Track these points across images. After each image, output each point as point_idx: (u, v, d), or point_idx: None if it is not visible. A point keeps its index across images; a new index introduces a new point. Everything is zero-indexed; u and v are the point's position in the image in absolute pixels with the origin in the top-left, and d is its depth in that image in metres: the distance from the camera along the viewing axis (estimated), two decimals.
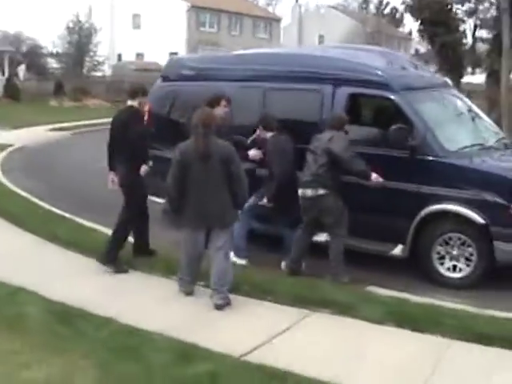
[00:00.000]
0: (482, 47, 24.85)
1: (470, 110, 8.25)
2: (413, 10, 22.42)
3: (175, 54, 44.71)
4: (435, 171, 7.07)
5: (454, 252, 7.09)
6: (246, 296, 6.35)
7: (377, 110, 8.26)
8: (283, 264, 7.47)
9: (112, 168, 7.34)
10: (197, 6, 44.66)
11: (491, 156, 7.27)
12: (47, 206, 10.31)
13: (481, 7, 23.14)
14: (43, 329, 5.23)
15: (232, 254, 6.93)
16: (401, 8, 25.49)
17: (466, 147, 7.33)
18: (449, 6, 22.36)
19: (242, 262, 7.44)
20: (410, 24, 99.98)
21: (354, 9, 74.91)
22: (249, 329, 5.55)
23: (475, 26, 24.34)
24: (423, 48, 58.85)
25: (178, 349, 4.89)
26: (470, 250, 7.00)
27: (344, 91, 7.67)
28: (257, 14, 51.82)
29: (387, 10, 77.95)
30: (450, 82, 8.75)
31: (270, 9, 65.00)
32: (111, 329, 5.30)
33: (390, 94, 7.39)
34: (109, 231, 8.73)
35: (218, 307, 5.99)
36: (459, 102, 8.27)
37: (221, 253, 6.12)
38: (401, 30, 74.44)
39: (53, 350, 4.81)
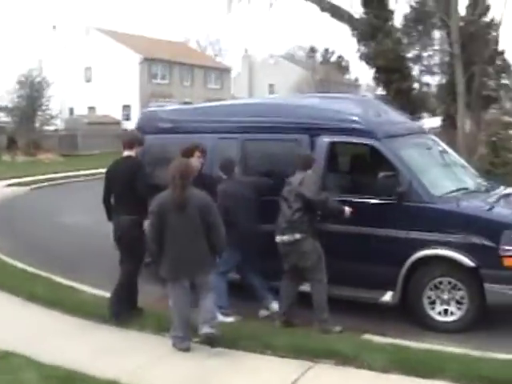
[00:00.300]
0: (427, 92, 25.68)
1: (448, 155, 8.43)
2: (368, 58, 22.99)
3: (128, 106, 44.89)
4: (422, 217, 7.16)
5: (445, 296, 7.14)
6: (245, 351, 6.23)
7: (359, 158, 8.34)
8: (261, 312, 7.54)
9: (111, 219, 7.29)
10: (149, 58, 44.92)
11: (476, 199, 7.40)
12: (19, 264, 10.02)
13: (425, 54, 23.92)
14: None
15: (218, 314, 6.90)
16: (355, 56, 26.10)
17: (450, 192, 7.46)
18: (402, 54, 23.06)
19: (229, 319, 7.28)
20: (357, 71, 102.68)
21: (300, 57, 76.60)
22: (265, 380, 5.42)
23: (421, 72, 25.13)
24: (370, 94, 60.47)
25: None
26: (460, 293, 7.06)
27: (324, 140, 7.75)
28: (208, 65, 52.42)
29: (333, 58, 79.86)
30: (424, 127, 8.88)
31: (219, 59, 65.76)
32: None
33: (372, 142, 7.50)
34: (87, 288, 8.64)
35: (210, 335, 6.09)
36: (437, 147, 8.44)
37: (206, 299, 6.25)
38: (347, 77, 76.26)
39: None
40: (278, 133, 8.09)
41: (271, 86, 64.44)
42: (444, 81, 23.46)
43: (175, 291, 6.27)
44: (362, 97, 10.08)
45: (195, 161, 7.49)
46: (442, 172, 7.95)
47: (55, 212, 16.44)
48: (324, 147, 7.74)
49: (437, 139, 8.70)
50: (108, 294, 8.15)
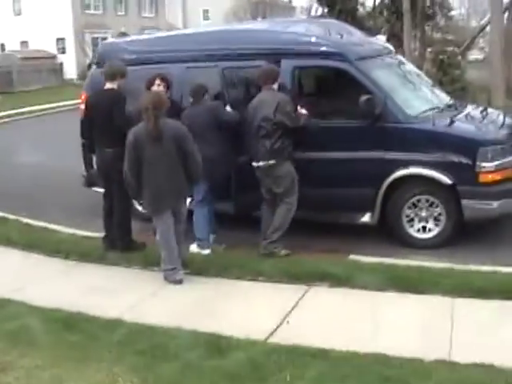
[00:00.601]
0: (370, 12, 25.59)
1: (416, 75, 8.49)
2: None
3: (62, 39, 43.21)
4: (399, 137, 7.24)
5: (423, 214, 7.34)
6: (236, 279, 6.32)
7: (332, 81, 8.29)
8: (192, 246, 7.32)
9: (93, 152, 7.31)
10: None
11: (449, 118, 7.49)
12: None
13: None
14: (55, 340, 4.97)
15: (195, 245, 7.15)
16: None
17: (424, 111, 7.54)
18: None
19: (206, 251, 7.25)
20: None
21: None
22: (259, 311, 5.53)
23: None
24: (304, 16, 59.72)
25: (206, 341, 4.80)
26: (437, 210, 7.27)
27: (294, 64, 7.63)
28: None
29: None
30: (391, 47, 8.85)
31: None
32: (123, 330, 5.12)
33: (344, 65, 7.45)
34: (59, 228, 8.53)
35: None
36: (405, 68, 8.47)
37: (180, 228, 6.45)
38: None
39: (78, 361, 4.59)
40: (245, 60, 7.86)
41: (205, 11, 62.93)
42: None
43: (160, 224, 6.33)
44: (329, 20, 9.78)
45: (154, 89, 7.43)
46: (413, 92, 7.98)
47: (4, 152, 15.97)
48: (296, 71, 7.66)
49: (403, 59, 8.72)
50: (83, 233, 8.20)
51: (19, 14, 44.25)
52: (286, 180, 7.02)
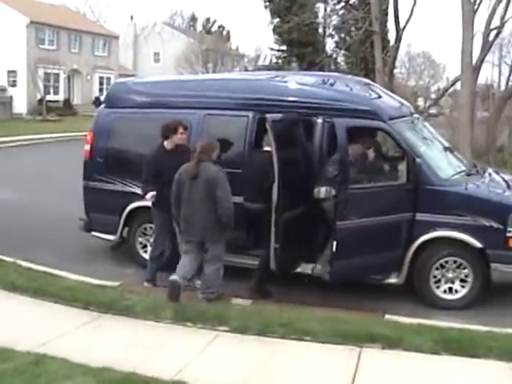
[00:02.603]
0: (339, 67, 26.22)
1: (438, 138, 8.62)
2: (281, 31, 23.09)
3: (14, 72, 42.25)
4: (431, 200, 7.30)
5: (450, 275, 7.39)
6: (281, 338, 6.12)
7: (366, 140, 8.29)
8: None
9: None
10: (36, 22, 42.22)
11: (479, 182, 7.64)
12: None
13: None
14: None
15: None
16: (268, 28, 26.03)
17: (454, 174, 7.66)
18: (316, 28, 23.35)
19: None
20: (237, 41, 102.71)
21: (180, 25, 75.09)
22: (322, 377, 5.34)
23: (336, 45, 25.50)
24: (250, 67, 60.69)
25: None
26: (465, 271, 7.36)
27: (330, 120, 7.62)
28: (96, 31, 50.23)
29: (214, 28, 79.18)
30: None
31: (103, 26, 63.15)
32: None
33: (380, 124, 7.50)
34: (63, 274, 8.15)
35: (202, 299, 6.99)
36: (428, 129, 8.61)
37: (207, 265, 7.06)
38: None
39: None
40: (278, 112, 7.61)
41: (156, 54, 63.02)
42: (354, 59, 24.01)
43: (185, 249, 7.19)
44: (358, 78, 9.83)
45: (178, 137, 7.64)
46: (439, 154, 8.12)
47: None
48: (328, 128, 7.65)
49: (424, 122, 8.86)
50: (92, 280, 7.87)
51: None
52: None
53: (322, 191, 7.33)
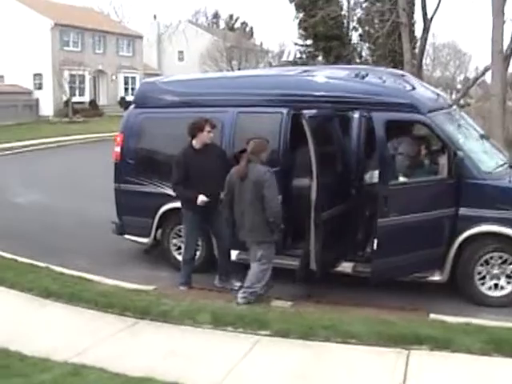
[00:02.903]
0: (367, 60, 25.87)
1: (477, 129, 8.33)
2: (306, 25, 22.82)
3: (39, 75, 42.57)
4: (474, 194, 7.04)
5: (495, 271, 7.12)
6: (325, 341, 5.91)
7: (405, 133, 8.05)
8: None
9: None
10: (60, 24, 42.49)
11: None
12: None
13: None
14: None
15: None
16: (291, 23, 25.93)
17: (497, 167, 7.38)
18: (343, 21, 23.04)
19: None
20: (261, 37, 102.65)
21: (203, 23, 75.17)
22: (370, 382, 5.14)
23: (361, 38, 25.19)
24: (274, 62, 60.50)
25: None
26: (511, 267, 7.04)
27: (366, 115, 7.44)
28: (120, 32, 50.44)
29: (238, 25, 79.14)
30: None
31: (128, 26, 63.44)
32: None
33: (420, 117, 7.25)
34: (98, 278, 8.04)
35: (238, 303, 6.90)
36: (467, 121, 8.33)
37: (255, 265, 6.99)
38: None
39: None
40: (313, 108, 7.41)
41: (180, 52, 63.08)
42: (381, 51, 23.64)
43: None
44: (394, 70, 9.59)
45: (205, 136, 7.44)
46: (480, 147, 7.84)
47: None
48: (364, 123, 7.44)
49: (462, 113, 8.59)
50: (127, 285, 7.75)
51: None
52: None
53: (375, 175, 7.08)
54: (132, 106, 9.28)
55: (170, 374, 5.16)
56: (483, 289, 7.17)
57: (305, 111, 6.94)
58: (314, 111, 7.13)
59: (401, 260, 7.03)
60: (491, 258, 7.11)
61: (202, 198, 7.30)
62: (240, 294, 6.99)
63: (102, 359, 5.52)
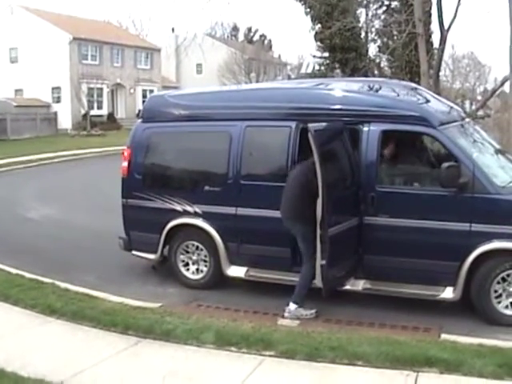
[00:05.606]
0: (383, 72, 25.65)
1: (490, 143, 8.10)
2: (323, 37, 22.68)
3: (58, 88, 42.89)
4: (488, 209, 6.81)
5: (511, 289, 6.85)
6: (331, 362, 5.70)
7: (416, 147, 7.86)
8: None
9: None
10: (78, 38, 42.86)
11: None
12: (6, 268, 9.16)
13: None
14: None
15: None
16: (310, 35, 25.88)
17: (510, 182, 7.13)
18: (359, 33, 22.88)
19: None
20: (280, 50, 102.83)
21: (221, 36, 75.43)
22: None
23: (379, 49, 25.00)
24: (293, 75, 60.41)
25: None
26: None
27: (378, 127, 7.25)
28: (137, 45, 50.73)
29: (256, 37, 79.32)
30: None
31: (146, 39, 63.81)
32: None
33: (429, 131, 7.07)
34: (104, 295, 7.91)
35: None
36: (481, 134, 8.09)
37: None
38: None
39: None
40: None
41: (199, 65, 63.17)
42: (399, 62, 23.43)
43: None
44: (404, 82, 9.43)
45: None
46: (493, 161, 7.61)
47: (14, 204, 15.46)
48: (378, 135, 7.25)
49: (475, 126, 8.36)
50: (133, 302, 7.60)
51: (15, 61, 43.99)
52: None
53: None
54: (139, 121, 9.15)
55: None
56: (500, 307, 6.91)
57: (310, 124, 6.75)
58: (321, 124, 6.93)
59: None
60: (508, 275, 6.84)
61: None
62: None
63: (99, 380, 5.40)
